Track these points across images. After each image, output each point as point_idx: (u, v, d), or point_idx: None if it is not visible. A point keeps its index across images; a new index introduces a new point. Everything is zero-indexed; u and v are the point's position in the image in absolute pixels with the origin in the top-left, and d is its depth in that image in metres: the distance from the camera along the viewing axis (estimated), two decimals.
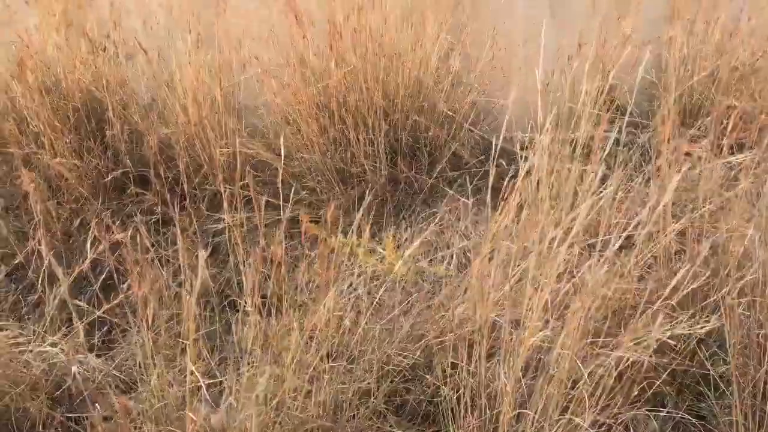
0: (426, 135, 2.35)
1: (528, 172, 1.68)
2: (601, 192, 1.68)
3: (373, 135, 2.25)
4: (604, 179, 1.87)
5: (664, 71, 2.45)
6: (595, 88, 2.30)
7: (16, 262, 2.02)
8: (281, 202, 1.63)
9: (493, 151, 1.71)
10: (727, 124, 1.93)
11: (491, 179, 1.60)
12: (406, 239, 2.09)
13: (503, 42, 2.49)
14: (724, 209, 1.67)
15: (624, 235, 1.49)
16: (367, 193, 2.12)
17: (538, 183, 1.82)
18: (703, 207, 1.65)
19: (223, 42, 2.32)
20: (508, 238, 1.57)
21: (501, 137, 1.80)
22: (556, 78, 2.36)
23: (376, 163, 2.28)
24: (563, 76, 2.39)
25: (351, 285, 1.77)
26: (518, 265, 1.56)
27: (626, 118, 1.83)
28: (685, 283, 1.42)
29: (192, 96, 2.19)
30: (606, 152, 1.80)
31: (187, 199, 2.18)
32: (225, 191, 1.82)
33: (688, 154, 1.91)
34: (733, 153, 2.01)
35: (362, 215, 1.67)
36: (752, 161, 1.78)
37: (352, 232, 1.74)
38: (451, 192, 2.29)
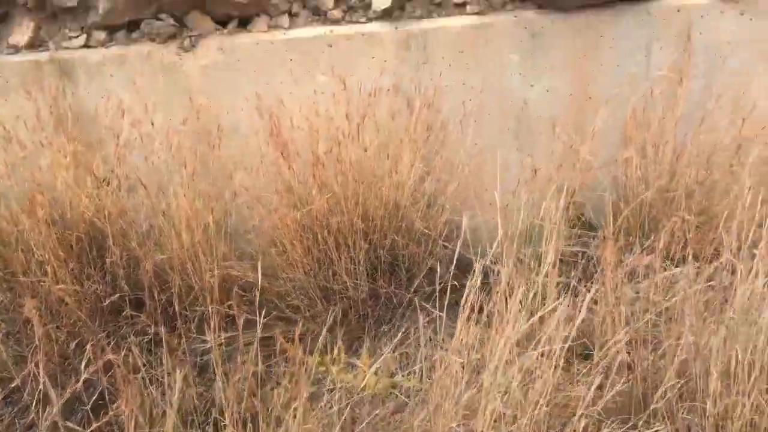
0: (404, 252, 2.52)
1: (493, 286, 1.83)
2: (558, 303, 1.81)
3: (354, 254, 2.42)
4: (566, 289, 2.02)
5: (623, 189, 2.66)
6: (559, 206, 2.49)
7: (13, 385, 2.12)
8: (260, 320, 1.76)
9: (471, 266, 1.86)
10: (679, 236, 2.10)
11: (471, 288, 1.73)
12: (385, 353, 2.20)
13: (474, 165, 2.72)
14: (671, 318, 1.80)
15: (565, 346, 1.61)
16: (345, 310, 2.26)
17: (502, 295, 1.96)
18: (650, 316, 1.77)
19: (217, 173, 2.56)
20: (471, 351, 1.69)
21: (482, 252, 1.96)
22: (524, 197, 2.55)
23: (357, 280, 2.43)
24: (531, 195, 2.60)
25: (326, 401, 1.87)
26: (477, 376, 1.66)
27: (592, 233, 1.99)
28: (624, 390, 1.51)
29: (185, 223, 2.38)
30: (566, 265, 1.96)
31: (179, 320, 2.31)
32: (213, 312, 1.96)
33: (641, 265, 2.06)
34: (683, 263, 2.16)
35: (340, 332, 1.80)
36: (697, 272, 1.92)
37: (329, 349, 1.87)
38: (427, 306, 2.42)
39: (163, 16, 2.63)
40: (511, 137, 2.78)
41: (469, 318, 1.73)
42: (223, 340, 2.14)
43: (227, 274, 2.33)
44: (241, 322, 1.73)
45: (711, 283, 1.77)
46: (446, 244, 2.63)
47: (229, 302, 2.06)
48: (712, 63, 2.72)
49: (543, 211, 2.46)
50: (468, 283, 1.78)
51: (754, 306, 1.57)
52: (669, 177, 2.55)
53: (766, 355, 1.47)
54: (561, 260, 2.43)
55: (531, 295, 2.00)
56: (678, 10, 2.70)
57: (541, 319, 1.94)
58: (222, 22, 2.69)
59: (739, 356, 1.45)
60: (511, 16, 2.68)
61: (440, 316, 2.37)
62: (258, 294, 1.87)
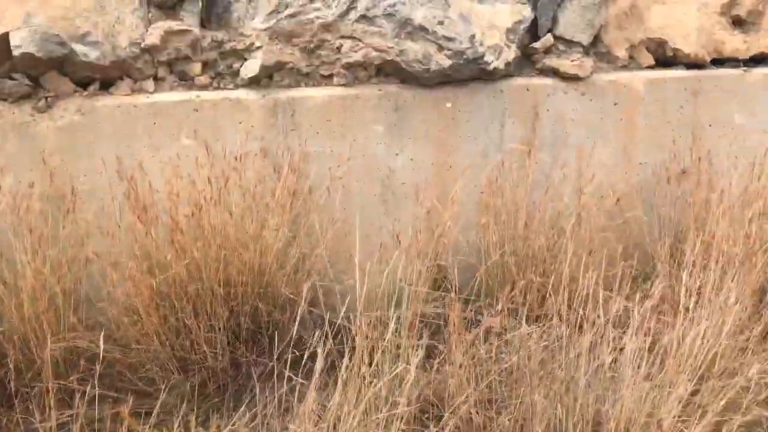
0: (268, 319, 2.48)
1: (350, 350, 1.84)
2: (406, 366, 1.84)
3: (214, 322, 2.35)
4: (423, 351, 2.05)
5: (481, 253, 2.79)
6: (421, 269, 2.57)
7: None
8: (96, 394, 1.66)
9: (335, 330, 1.86)
10: (532, 296, 2.22)
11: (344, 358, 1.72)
12: (237, 426, 2.12)
13: (341, 229, 2.76)
14: (514, 378, 1.88)
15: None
16: (203, 381, 2.17)
17: (358, 359, 1.97)
18: (494, 376, 1.84)
19: (69, 239, 2.43)
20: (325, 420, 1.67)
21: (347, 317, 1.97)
22: (389, 261, 2.61)
23: (216, 349, 2.36)
24: (395, 258, 2.66)
25: None
26: None
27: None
28: None
29: (28, 293, 2.23)
30: (425, 327, 2.00)
31: (16, 398, 2.13)
32: (51, 388, 1.83)
33: (491, 326, 2.15)
34: (535, 322, 2.28)
35: (197, 404, 1.72)
36: (536, 332, 2.03)
37: (182, 423, 1.78)
38: (290, 374, 2.37)
39: (17, 75, 2.53)
40: (378, 203, 2.86)
41: (321, 385, 1.72)
42: (66, 418, 1.99)
43: (74, 346, 2.18)
44: (84, 398, 1.62)
45: (545, 342, 1.88)
46: (312, 309, 2.62)
47: (72, 377, 1.92)
48: (558, 137, 2.96)
49: (406, 274, 2.53)
50: (319, 350, 1.78)
51: (581, 364, 1.68)
52: (522, 241, 2.71)
53: (591, 408, 1.57)
54: (422, 321, 2.49)
55: (388, 357, 2.02)
56: (527, 89, 2.94)
57: (401, 381, 1.97)
58: (83, 84, 2.62)
59: (560, 414, 1.53)
60: (376, 89, 2.81)
61: (302, 383, 2.34)
62: (100, 367, 1.76)
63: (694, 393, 1.89)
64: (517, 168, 2.87)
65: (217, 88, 2.72)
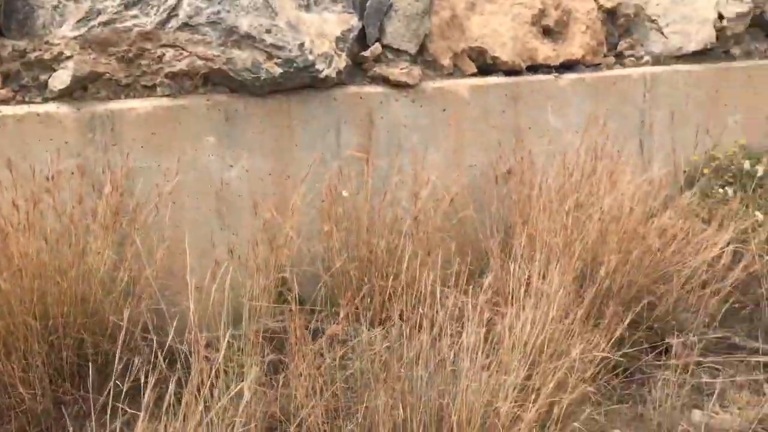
0: (95, 350, 2.27)
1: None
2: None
3: (31, 360, 2.11)
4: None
5: (325, 261, 2.77)
6: (263, 283, 2.49)
7: None
8: None
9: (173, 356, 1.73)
10: (378, 301, 2.23)
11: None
12: None
13: (175, 248, 2.60)
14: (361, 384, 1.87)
15: None
16: (22, 427, 1.94)
17: (200, 383, 1.86)
18: (339, 384, 1.82)
19: None
20: None
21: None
22: (228, 277, 2.50)
23: (35, 389, 2.11)
24: (236, 274, 2.56)
25: None
26: None
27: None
28: None
29: None
30: (269, 342, 1.93)
31: None
32: None
33: (335, 334, 2.14)
34: (380, 325, 2.30)
35: None
36: (387, 333, 2.05)
37: None
38: (123, 406, 2.19)
39: None
40: (214, 217, 2.74)
41: (157, 414, 1.59)
42: None
43: None
44: None
45: (387, 344, 1.89)
46: (147, 335, 2.44)
47: None
48: (393, 143, 3.03)
49: (246, 290, 2.44)
50: (151, 379, 1.65)
51: (422, 361, 1.71)
52: (364, 246, 2.73)
53: (434, 404, 1.60)
54: (268, 337, 2.41)
55: (229, 377, 1.93)
56: (360, 97, 2.98)
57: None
58: None
59: (404, 414, 1.55)
60: (204, 99, 2.70)
61: (137, 414, 2.16)
62: None
63: (528, 377, 2.00)
64: (356, 175, 2.89)
65: (22, 101, 2.47)
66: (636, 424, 2.39)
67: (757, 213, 3.18)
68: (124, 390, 2.31)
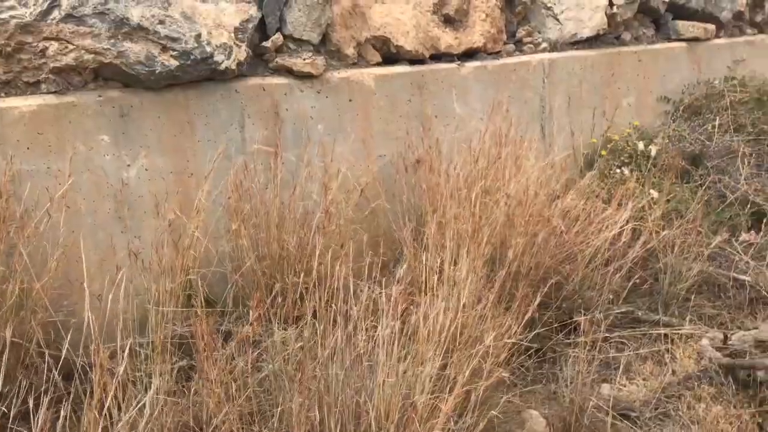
0: None
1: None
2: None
3: None
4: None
5: (235, 260, 2.68)
6: (173, 286, 2.38)
7: None
8: None
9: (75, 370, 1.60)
10: (289, 298, 2.17)
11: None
12: None
13: (71, 255, 2.44)
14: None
15: None
16: None
17: (102, 397, 1.75)
18: (253, 387, 1.77)
19: None
20: None
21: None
22: (129, 283, 2.37)
23: None
24: (138, 279, 2.44)
25: None
26: None
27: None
28: None
29: None
30: (178, 348, 1.84)
31: None
32: None
33: (247, 335, 2.07)
34: (295, 323, 2.25)
35: None
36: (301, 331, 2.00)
37: None
38: (18, 429, 2.04)
39: None
40: (112, 220, 2.59)
41: None
42: None
43: None
44: None
45: (301, 343, 1.85)
46: (44, 350, 2.28)
47: None
48: (300, 136, 2.97)
49: (151, 295, 2.33)
50: (45, 398, 1.54)
51: (337, 359, 1.68)
52: (276, 243, 2.66)
53: (351, 402, 1.57)
54: (175, 343, 2.31)
55: (138, 388, 1.83)
56: (263, 89, 2.89)
57: (152, 413, 1.79)
58: None
59: (320, 414, 1.52)
60: (96, 95, 2.54)
61: None
62: None
63: (444, 367, 2.01)
64: (263, 169, 2.81)
65: None
66: (550, 402, 2.47)
67: (652, 191, 3.35)
68: (11, 415, 2.16)
